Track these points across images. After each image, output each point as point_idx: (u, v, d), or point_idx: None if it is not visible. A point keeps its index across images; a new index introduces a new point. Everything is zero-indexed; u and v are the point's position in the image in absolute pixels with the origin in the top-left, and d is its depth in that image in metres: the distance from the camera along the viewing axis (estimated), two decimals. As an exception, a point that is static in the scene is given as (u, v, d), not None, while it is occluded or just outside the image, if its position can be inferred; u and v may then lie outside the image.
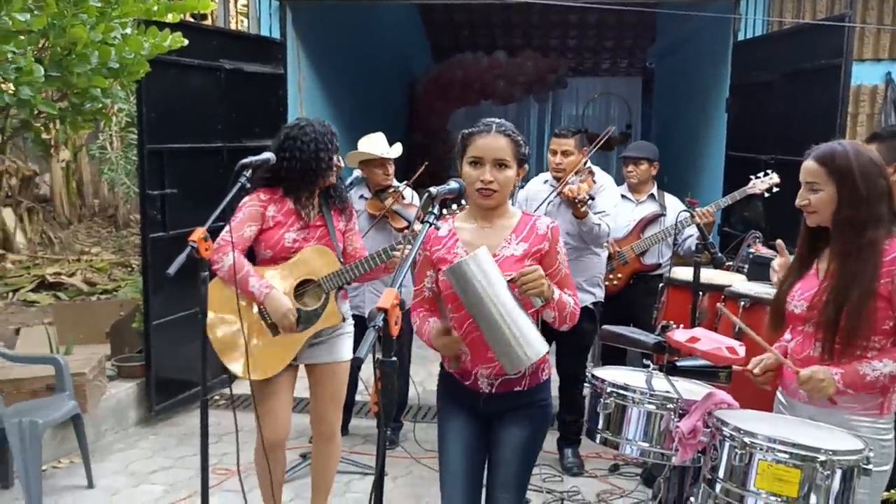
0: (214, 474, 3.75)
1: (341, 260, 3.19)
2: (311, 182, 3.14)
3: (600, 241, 4.08)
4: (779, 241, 2.72)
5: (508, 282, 2.20)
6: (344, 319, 3.23)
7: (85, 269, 8.27)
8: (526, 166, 2.47)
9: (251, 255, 3.20)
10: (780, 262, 2.68)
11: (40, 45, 3.39)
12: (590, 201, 3.89)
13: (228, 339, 3.10)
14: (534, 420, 2.47)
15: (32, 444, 3.61)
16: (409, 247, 2.09)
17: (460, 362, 2.42)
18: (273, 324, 3.11)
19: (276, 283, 3.09)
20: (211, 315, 3.07)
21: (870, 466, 2.06)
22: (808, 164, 2.33)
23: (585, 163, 4.16)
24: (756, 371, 2.41)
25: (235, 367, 3.12)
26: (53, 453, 4.22)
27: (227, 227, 3.03)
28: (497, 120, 2.45)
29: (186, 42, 3.80)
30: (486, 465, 2.52)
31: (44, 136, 8.46)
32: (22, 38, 3.22)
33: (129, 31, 3.59)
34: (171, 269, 2.53)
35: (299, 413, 4.71)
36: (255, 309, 3.12)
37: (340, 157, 3.21)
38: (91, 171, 10.25)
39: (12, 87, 3.33)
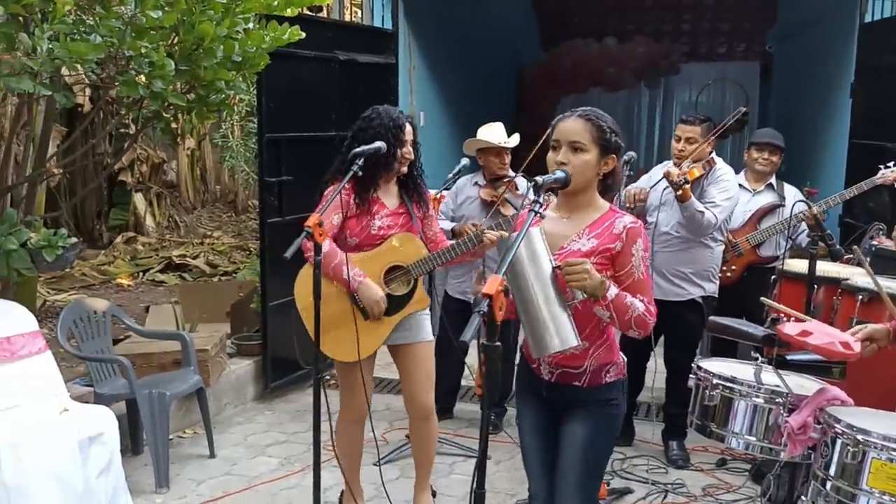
0: (325, 450, 3.90)
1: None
2: (376, 173, 3.19)
3: (703, 231, 3.96)
4: None
5: (555, 268, 2.18)
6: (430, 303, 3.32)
7: (207, 251, 8.73)
8: (627, 154, 2.40)
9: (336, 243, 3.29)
10: None
11: (171, 41, 3.61)
12: (685, 185, 3.79)
13: (322, 322, 3.22)
14: (596, 419, 2.37)
15: (161, 414, 3.88)
16: (513, 234, 2.12)
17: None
18: (364, 308, 3.21)
19: (365, 270, 3.18)
20: (304, 301, 3.19)
21: None
22: None
23: (710, 152, 4.07)
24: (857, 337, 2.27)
25: (328, 349, 3.21)
26: (179, 424, 4.51)
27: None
28: (588, 107, 2.41)
29: (304, 35, 3.96)
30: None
31: (172, 125, 8.97)
32: (154, 33, 3.44)
33: (251, 25, 3.77)
34: (288, 253, 2.66)
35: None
36: (349, 294, 3.22)
37: (412, 150, 3.25)
38: (213, 158, 10.79)
39: (144, 80, 3.57)
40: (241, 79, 4.07)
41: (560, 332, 2.15)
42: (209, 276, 7.91)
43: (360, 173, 3.00)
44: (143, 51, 3.44)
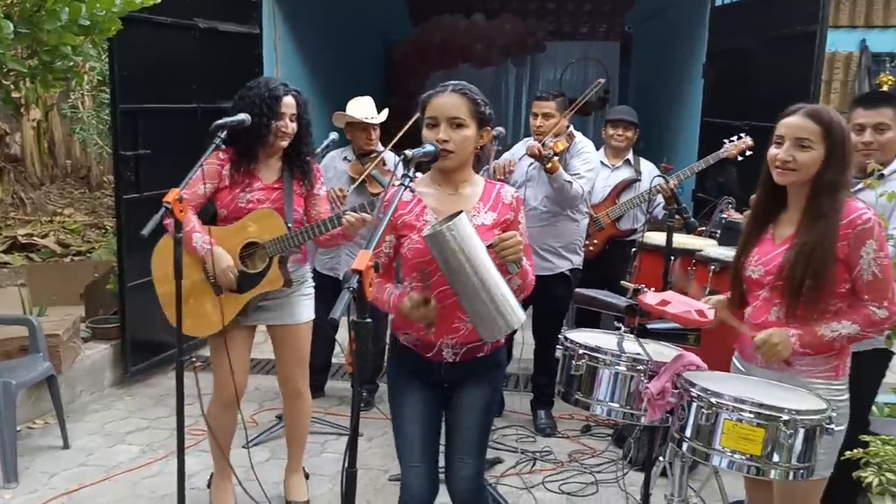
0: (190, 435, 3.77)
1: (290, 225, 3.11)
2: (251, 145, 3.09)
3: (573, 202, 4.07)
4: (753, 197, 2.67)
5: (487, 247, 2.17)
6: (288, 284, 3.16)
7: (58, 230, 8.19)
8: (495, 129, 2.42)
9: (215, 214, 3.18)
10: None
11: (9, 1, 3.32)
12: (554, 157, 3.89)
13: (172, 294, 3.08)
14: (492, 381, 2.50)
15: (6, 404, 3.61)
16: (381, 214, 2.07)
17: (432, 329, 2.35)
18: (216, 283, 3.11)
19: (223, 244, 3.08)
20: (159, 271, 3.14)
21: (832, 426, 2.12)
22: (802, 122, 2.26)
23: (568, 126, 4.17)
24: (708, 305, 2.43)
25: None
26: (28, 414, 4.22)
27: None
28: (456, 81, 2.40)
29: (159, -1, 3.74)
30: (440, 432, 2.50)
31: (14, 94, 8.32)
32: (-11, -7, 3.16)
33: (100, -13, 3.52)
34: (146, 230, 2.53)
35: (274, 375, 4.73)
36: (202, 268, 3.11)
37: (289, 124, 3.09)
38: (63, 130, 10.07)
39: (-20, 44, 3.27)
40: (90, 44, 3.80)
41: (512, 311, 2.17)
42: (60, 256, 7.42)
43: (223, 146, 2.88)
44: (-24, 11, 3.15)
